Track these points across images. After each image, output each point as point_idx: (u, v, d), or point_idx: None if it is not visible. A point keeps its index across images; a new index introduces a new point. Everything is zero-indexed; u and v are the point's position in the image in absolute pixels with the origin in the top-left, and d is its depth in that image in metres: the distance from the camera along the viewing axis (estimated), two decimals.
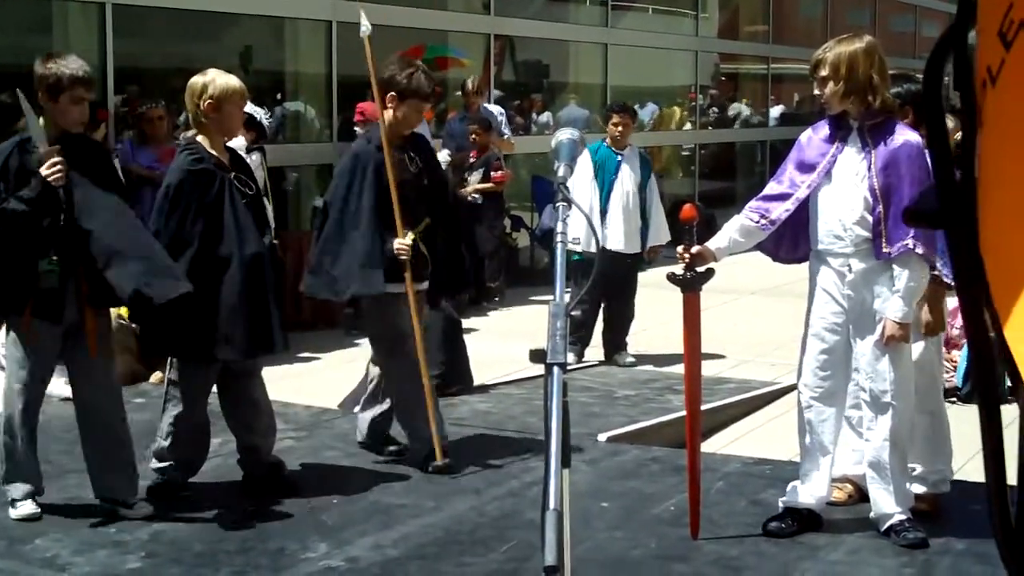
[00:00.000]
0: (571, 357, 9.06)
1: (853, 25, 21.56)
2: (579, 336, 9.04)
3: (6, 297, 5.15)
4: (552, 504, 2.08)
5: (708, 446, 6.75)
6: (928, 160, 4.89)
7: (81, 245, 5.06)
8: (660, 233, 9.23)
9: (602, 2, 16.26)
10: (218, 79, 5.52)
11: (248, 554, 4.93)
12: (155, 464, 5.66)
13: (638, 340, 9.49)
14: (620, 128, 9.21)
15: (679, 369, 8.67)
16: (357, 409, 7.26)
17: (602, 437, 6.76)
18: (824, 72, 4.89)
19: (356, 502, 5.57)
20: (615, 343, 9.21)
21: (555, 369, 2.24)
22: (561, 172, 2.81)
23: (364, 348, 8.23)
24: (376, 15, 11.65)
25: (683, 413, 7.03)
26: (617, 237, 9.00)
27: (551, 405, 2.22)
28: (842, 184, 4.92)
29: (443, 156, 10.49)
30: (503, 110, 12.22)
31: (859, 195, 4.87)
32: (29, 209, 4.98)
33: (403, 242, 5.76)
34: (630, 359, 9.14)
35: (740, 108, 20.31)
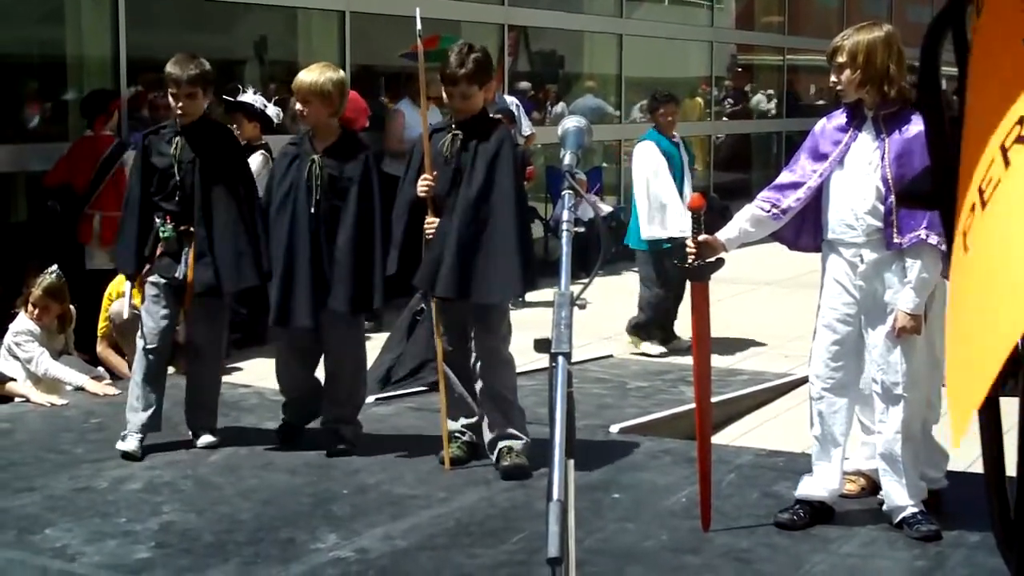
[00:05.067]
0: (658, 348, 9.12)
1: (870, 15, 21.36)
2: (662, 325, 9.21)
3: (134, 256, 6.06)
4: (556, 495, 2.05)
5: (720, 438, 6.72)
6: None
7: (193, 217, 6.01)
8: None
9: None
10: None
11: (258, 545, 4.92)
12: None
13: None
14: (670, 117, 9.31)
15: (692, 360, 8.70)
16: (370, 399, 7.28)
17: (614, 428, 6.73)
18: (841, 59, 4.86)
19: (366, 493, 5.56)
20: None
21: (560, 359, 2.22)
22: (567, 160, 2.79)
23: (372, 342, 8.26)
24: (390, 5, 11.74)
25: (695, 404, 7.07)
26: (678, 224, 8.87)
27: (555, 395, 2.20)
28: (855, 173, 4.88)
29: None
30: (518, 102, 12.16)
31: (871, 184, 4.83)
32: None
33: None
34: (658, 348, 9.20)
35: (759, 99, 20.24)
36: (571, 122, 2.97)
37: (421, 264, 5.78)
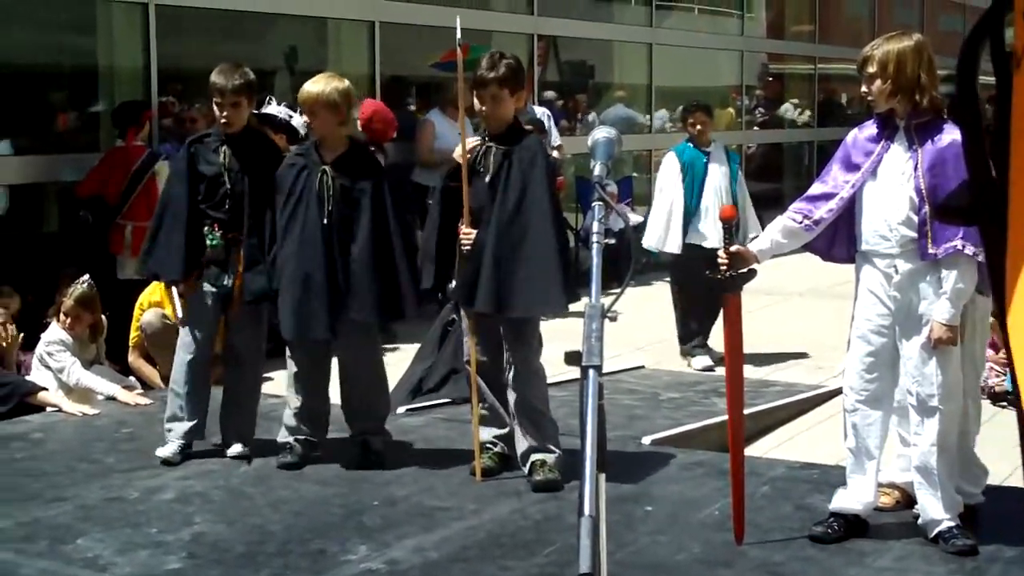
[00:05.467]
0: (703, 361, 9.09)
1: (901, 24, 21.38)
2: (692, 331, 9.24)
3: (181, 263, 6.04)
4: (587, 510, 2.03)
5: (753, 450, 6.68)
6: None
7: (239, 225, 6.03)
8: (752, 226, 9.04)
9: (647, 2, 16.18)
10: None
11: (288, 556, 4.91)
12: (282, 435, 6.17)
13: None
14: (699, 126, 9.29)
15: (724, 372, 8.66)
16: (401, 410, 7.28)
17: (646, 440, 6.70)
18: (872, 69, 4.82)
19: (397, 504, 5.54)
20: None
21: (591, 372, 2.19)
22: (597, 171, 2.77)
23: (403, 352, 8.25)
24: (419, 15, 11.76)
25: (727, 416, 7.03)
26: (714, 234, 8.86)
27: (586, 408, 2.18)
28: (888, 183, 4.84)
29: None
30: (549, 112, 12.14)
31: (905, 195, 4.79)
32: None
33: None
34: (705, 362, 9.13)
35: (786, 108, 20.18)
36: (601, 133, 2.95)
37: (456, 277, 5.76)
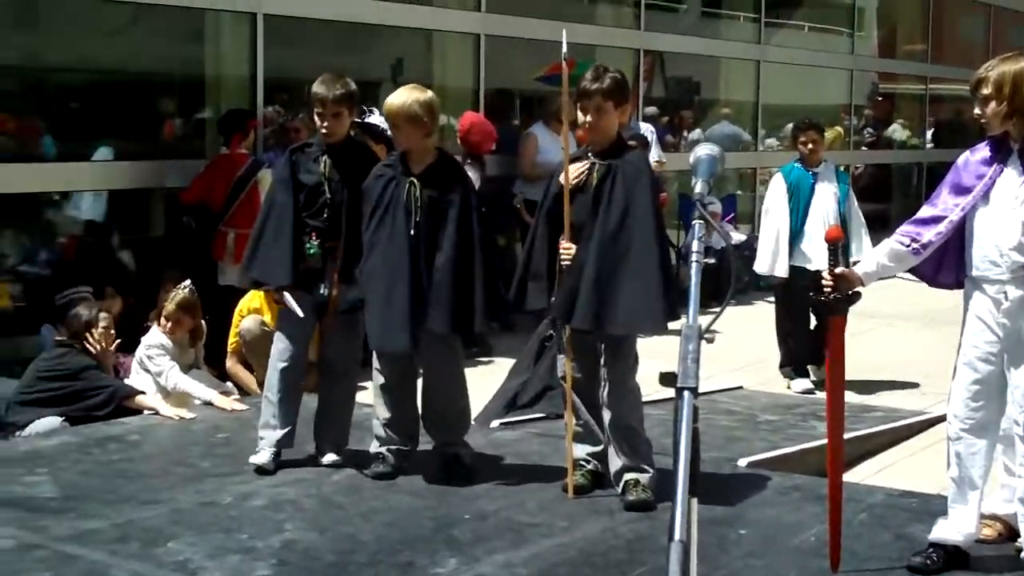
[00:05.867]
0: (803, 384, 9.01)
1: (1015, 45, 20.96)
2: (795, 354, 9.16)
3: (289, 269, 6.06)
4: (678, 535, 1.97)
5: (852, 475, 6.54)
6: None
7: (339, 235, 6.06)
8: (863, 248, 8.79)
9: (755, 19, 16.04)
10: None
11: (378, 567, 4.89)
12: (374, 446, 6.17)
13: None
14: (810, 145, 9.14)
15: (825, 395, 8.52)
16: (495, 423, 7.25)
17: (742, 462, 6.60)
18: (986, 91, 4.69)
19: (487, 518, 5.50)
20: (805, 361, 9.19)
21: (686, 394, 2.13)
22: (699, 188, 2.71)
23: (498, 365, 8.22)
24: (525, 29, 11.76)
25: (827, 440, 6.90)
26: (818, 257, 8.66)
27: (680, 431, 2.12)
28: (1000, 208, 4.71)
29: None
30: (653, 129, 12.06)
31: (1017, 220, 4.65)
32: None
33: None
34: (806, 384, 9.02)
35: (894, 128, 19.89)
36: (704, 150, 2.88)
37: (557, 292, 5.71)
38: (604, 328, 5.54)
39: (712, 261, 10.42)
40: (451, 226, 5.86)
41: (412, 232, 5.85)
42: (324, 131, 6.10)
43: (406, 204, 5.87)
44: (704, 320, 2.34)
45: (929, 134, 20.69)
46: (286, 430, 6.16)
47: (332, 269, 6.07)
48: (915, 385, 9.20)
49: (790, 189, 9.08)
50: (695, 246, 2.48)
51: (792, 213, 9.04)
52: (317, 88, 6.09)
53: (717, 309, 2.72)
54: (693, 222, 2.58)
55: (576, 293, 5.54)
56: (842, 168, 9.45)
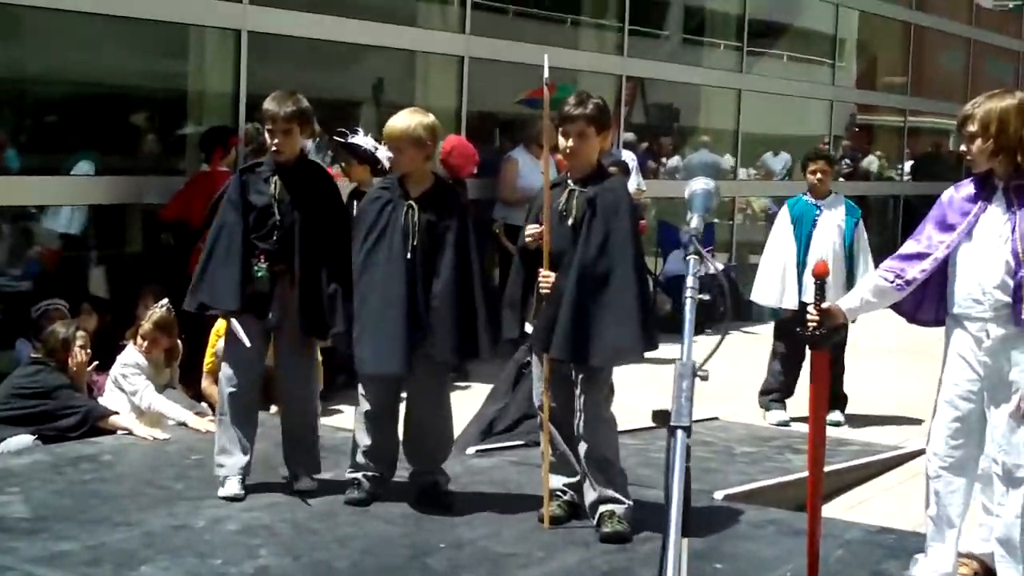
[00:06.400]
0: (779, 415, 9.01)
1: (994, 79, 21.11)
2: (781, 386, 9.13)
3: (238, 292, 5.92)
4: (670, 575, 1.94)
5: (828, 510, 6.51)
6: None
7: (290, 258, 5.93)
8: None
9: (737, 47, 16.09)
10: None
11: None
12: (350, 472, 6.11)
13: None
14: (819, 176, 9.08)
15: (802, 428, 8.50)
16: (471, 450, 7.21)
17: (718, 495, 6.56)
18: (973, 128, 4.69)
19: (463, 547, 5.45)
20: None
21: (679, 432, 2.10)
22: (694, 223, 2.68)
23: (475, 391, 8.18)
24: (509, 52, 11.76)
25: (804, 474, 6.86)
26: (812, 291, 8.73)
27: (673, 470, 2.08)
28: (983, 245, 4.71)
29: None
30: (634, 156, 12.06)
31: (1001, 258, 4.65)
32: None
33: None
34: (836, 417, 8.93)
35: (870, 160, 19.96)
36: (699, 184, 2.86)
37: (532, 321, 5.67)
38: (583, 359, 5.50)
39: (707, 297, 10.37)
40: (449, 251, 5.81)
41: (409, 256, 5.79)
42: (274, 148, 5.98)
43: (404, 228, 5.81)
44: (698, 357, 2.31)
45: (907, 166, 20.77)
46: (246, 457, 6.05)
47: (281, 293, 5.95)
48: (891, 419, 9.20)
49: (793, 220, 9.04)
50: (690, 281, 2.45)
51: (797, 245, 8.99)
52: (268, 105, 5.99)
53: (709, 344, 2.69)
54: (688, 257, 2.55)
55: (555, 322, 5.50)
56: (852, 202, 9.31)
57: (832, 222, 9.01)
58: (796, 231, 9.02)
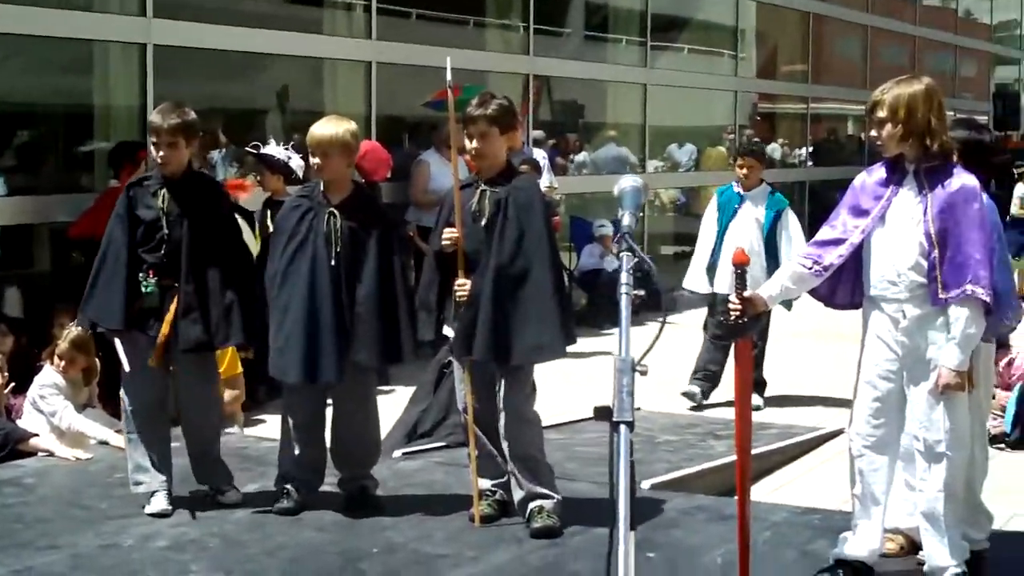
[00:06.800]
0: (697, 389, 9.19)
1: (891, 64, 21.46)
2: (707, 374, 9.27)
3: (122, 311, 5.82)
4: (622, 572, 1.97)
5: (753, 494, 6.52)
6: (984, 204, 4.82)
7: (179, 273, 5.84)
8: None
9: (641, 42, 16.22)
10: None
11: None
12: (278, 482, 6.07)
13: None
14: (745, 170, 9.26)
15: (720, 414, 8.62)
16: (397, 453, 7.21)
17: (645, 484, 6.63)
18: (882, 114, 4.78)
19: (396, 551, 5.46)
20: None
21: (622, 427, 2.14)
22: (626, 221, 2.71)
23: (398, 395, 8.19)
24: (416, 56, 11.75)
25: (727, 460, 6.96)
26: (724, 280, 8.86)
27: (619, 465, 2.12)
28: (897, 228, 4.80)
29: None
30: (545, 154, 12.12)
31: (914, 240, 4.75)
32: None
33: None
34: (756, 401, 8.94)
35: (773, 147, 20.20)
36: (628, 182, 2.89)
37: (451, 324, 5.69)
38: (505, 359, 5.53)
39: (642, 293, 10.50)
40: (372, 257, 5.81)
41: (333, 263, 5.77)
42: (160, 161, 5.90)
43: (327, 235, 5.80)
44: (635, 352, 2.35)
45: (805, 152, 21.03)
46: (163, 472, 6.00)
47: (169, 307, 5.86)
48: (807, 401, 9.34)
49: (718, 209, 9.27)
50: (624, 278, 2.48)
51: (716, 234, 9.18)
52: (153, 118, 5.92)
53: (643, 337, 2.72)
54: (621, 253, 2.58)
55: (474, 325, 5.52)
56: (780, 193, 9.42)
57: (750, 214, 9.18)
58: (718, 219, 9.22)
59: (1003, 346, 8.45)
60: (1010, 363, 8.53)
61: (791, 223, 9.23)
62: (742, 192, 9.25)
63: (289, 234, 5.87)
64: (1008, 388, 8.40)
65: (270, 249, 5.99)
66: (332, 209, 5.84)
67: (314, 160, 5.89)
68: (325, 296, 5.76)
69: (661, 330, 2.60)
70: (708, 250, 9.23)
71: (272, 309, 5.87)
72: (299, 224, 5.86)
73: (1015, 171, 17.05)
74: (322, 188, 5.95)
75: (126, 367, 5.85)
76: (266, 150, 8.98)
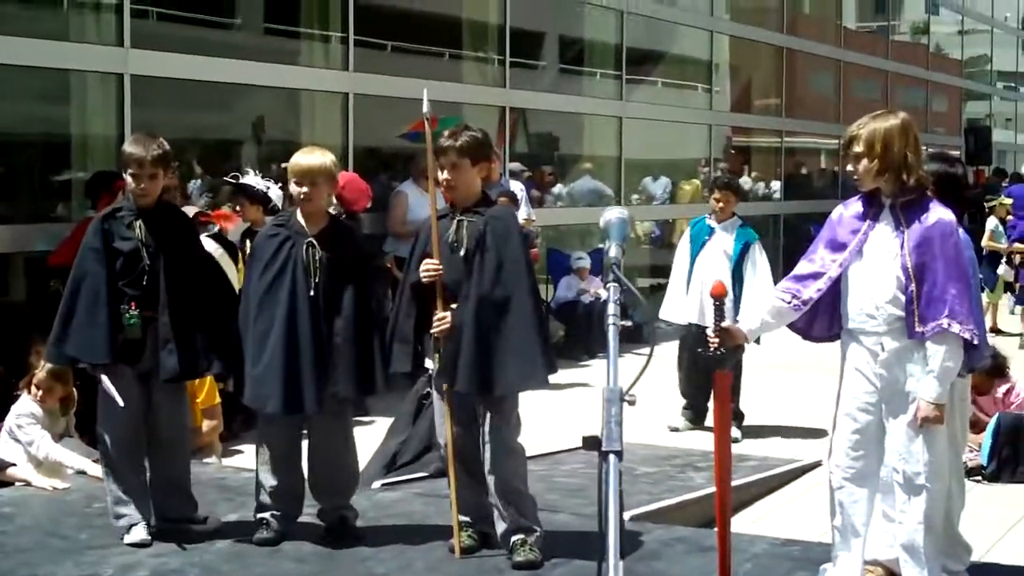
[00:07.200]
0: (683, 422, 9.38)
1: (864, 99, 21.63)
2: (693, 404, 9.47)
3: (107, 345, 5.78)
4: None
5: (733, 525, 6.57)
6: (960, 238, 4.88)
7: (159, 304, 5.82)
8: (746, 308, 8.56)
9: (616, 75, 16.31)
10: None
11: None
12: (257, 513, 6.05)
13: (669, 416, 9.57)
14: (721, 204, 9.38)
15: (700, 446, 8.64)
16: (377, 484, 7.20)
17: (625, 515, 6.62)
18: (858, 148, 4.83)
19: None
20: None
21: (611, 457, 2.16)
22: (613, 252, 2.74)
23: (377, 426, 8.18)
24: (391, 87, 11.80)
25: (707, 491, 6.98)
26: (692, 310, 9.17)
27: (607, 495, 2.14)
28: (874, 262, 4.85)
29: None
30: (523, 187, 12.17)
31: (891, 273, 4.80)
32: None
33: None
34: (733, 433, 9.05)
35: (745, 181, 20.29)
36: (614, 213, 2.92)
37: (431, 357, 5.70)
38: (489, 390, 5.54)
39: (629, 324, 10.60)
40: (350, 288, 5.81)
41: (312, 293, 5.78)
42: (140, 192, 5.85)
43: (305, 265, 5.81)
44: (624, 383, 2.37)
45: (777, 185, 21.14)
46: (143, 503, 5.98)
47: (152, 337, 5.82)
48: (786, 432, 9.36)
49: (691, 239, 9.44)
50: (611, 308, 2.51)
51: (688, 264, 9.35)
52: (132, 148, 5.86)
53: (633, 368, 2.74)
54: (608, 284, 2.61)
55: (457, 356, 5.53)
56: (749, 226, 9.49)
57: (719, 246, 9.28)
58: (691, 250, 9.37)
59: (1001, 375, 8.56)
60: (1009, 391, 8.62)
61: (758, 256, 9.30)
62: (714, 224, 9.34)
63: (266, 263, 5.86)
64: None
65: (244, 278, 5.98)
66: (311, 239, 5.86)
67: (300, 189, 5.86)
68: (304, 326, 5.76)
69: (649, 360, 2.62)
70: (683, 281, 9.34)
71: (247, 337, 5.86)
72: (276, 253, 5.85)
73: (986, 205, 17.18)
74: (299, 218, 5.96)
75: (120, 402, 5.78)
76: (245, 180, 8.99)
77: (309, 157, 5.95)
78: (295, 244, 5.84)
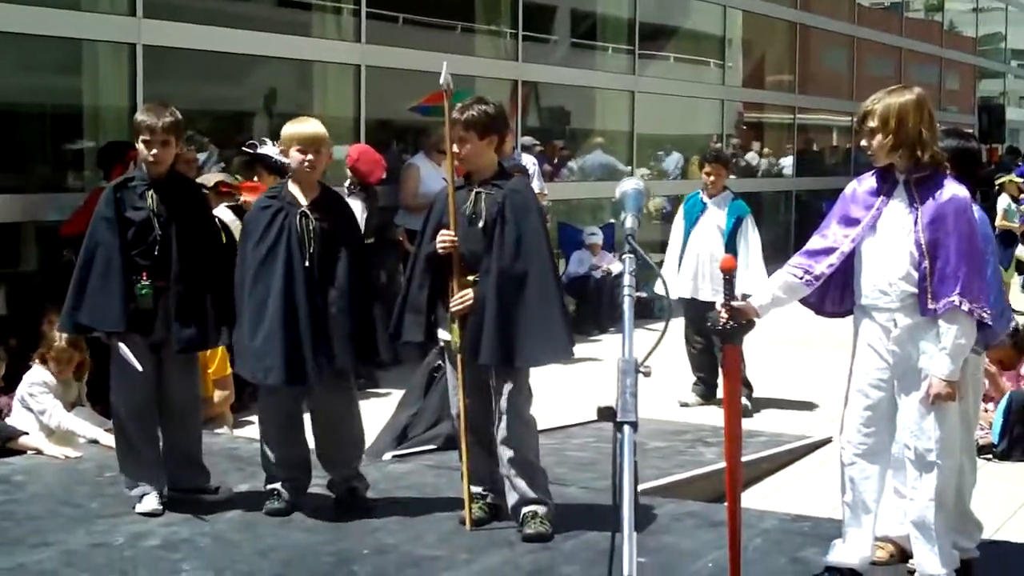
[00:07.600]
0: (694, 398, 9.43)
1: (877, 76, 21.55)
2: (701, 378, 9.55)
3: (123, 312, 5.78)
4: (626, 570, 1.99)
5: (743, 500, 6.59)
6: (975, 215, 4.86)
7: (171, 274, 5.85)
8: (747, 281, 8.30)
9: (629, 50, 16.27)
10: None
11: None
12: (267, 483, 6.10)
13: (679, 391, 9.58)
14: (712, 177, 9.40)
15: (710, 421, 8.65)
16: (388, 456, 7.22)
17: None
18: (872, 124, 4.81)
19: (387, 553, 5.47)
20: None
21: (626, 428, 2.16)
22: (629, 223, 2.73)
23: (390, 398, 8.20)
24: (403, 60, 11.78)
25: (717, 466, 6.99)
26: (687, 284, 9.26)
27: (623, 466, 2.14)
28: (888, 238, 4.83)
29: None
30: (535, 161, 12.15)
31: (905, 250, 4.78)
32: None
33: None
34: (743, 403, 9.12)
35: (752, 156, 20.25)
36: (630, 184, 2.91)
37: (447, 329, 5.69)
38: (513, 362, 5.54)
39: (644, 295, 10.54)
40: (344, 257, 5.82)
41: (307, 264, 5.78)
42: (152, 160, 5.85)
43: (300, 236, 5.80)
44: (639, 354, 2.37)
45: (789, 161, 21.09)
46: (156, 473, 6.01)
47: (164, 308, 5.86)
48: (797, 408, 9.37)
49: (685, 215, 9.46)
50: (627, 280, 2.50)
51: (682, 239, 9.40)
52: (144, 117, 5.87)
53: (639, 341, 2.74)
54: (624, 256, 2.60)
55: (480, 330, 5.53)
56: (742, 200, 9.48)
57: (711, 221, 9.34)
58: (684, 226, 9.44)
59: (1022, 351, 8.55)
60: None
61: (750, 231, 9.34)
62: (706, 199, 9.35)
63: (260, 234, 5.85)
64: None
65: (238, 249, 5.98)
66: (304, 209, 5.85)
67: (305, 157, 5.86)
68: (302, 297, 5.76)
69: (664, 331, 2.62)
70: (677, 256, 9.41)
71: (243, 309, 5.86)
72: (270, 225, 5.84)
73: (996, 182, 17.14)
74: (291, 189, 5.95)
75: (138, 367, 5.80)
76: (262, 150, 8.98)
77: (308, 125, 6.00)
78: (288, 215, 5.84)
